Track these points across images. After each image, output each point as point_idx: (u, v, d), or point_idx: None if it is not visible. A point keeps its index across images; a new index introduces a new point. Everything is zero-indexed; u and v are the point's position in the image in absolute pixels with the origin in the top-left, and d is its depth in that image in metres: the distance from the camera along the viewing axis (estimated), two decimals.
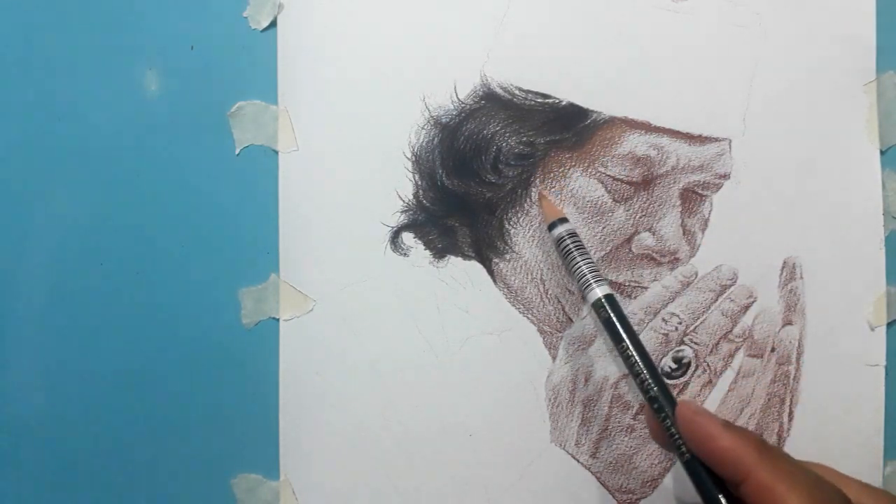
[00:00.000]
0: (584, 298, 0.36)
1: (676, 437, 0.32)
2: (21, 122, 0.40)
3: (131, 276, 0.40)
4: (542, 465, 0.39)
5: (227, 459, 0.40)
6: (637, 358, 0.34)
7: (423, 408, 0.39)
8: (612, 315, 0.35)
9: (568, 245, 0.36)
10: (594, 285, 0.35)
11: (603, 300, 0.35)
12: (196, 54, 0.40)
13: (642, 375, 0.33)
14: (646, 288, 0.39)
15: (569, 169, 0.39)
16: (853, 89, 0.39)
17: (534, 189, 0.39)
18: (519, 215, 0.39)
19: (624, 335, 0.34)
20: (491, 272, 0.39)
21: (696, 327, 0.39)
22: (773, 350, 0.39)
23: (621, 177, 0.39)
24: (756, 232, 0.39)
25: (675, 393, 0.39)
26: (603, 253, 0.39)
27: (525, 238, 0.39)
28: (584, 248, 0.37)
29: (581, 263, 0.36)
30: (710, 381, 0.39)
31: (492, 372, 0.39)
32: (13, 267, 0.40)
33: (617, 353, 0.35)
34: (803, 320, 0.39)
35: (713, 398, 0.39)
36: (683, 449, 0.32)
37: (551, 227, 0.37)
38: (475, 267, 0.39)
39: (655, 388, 0.33)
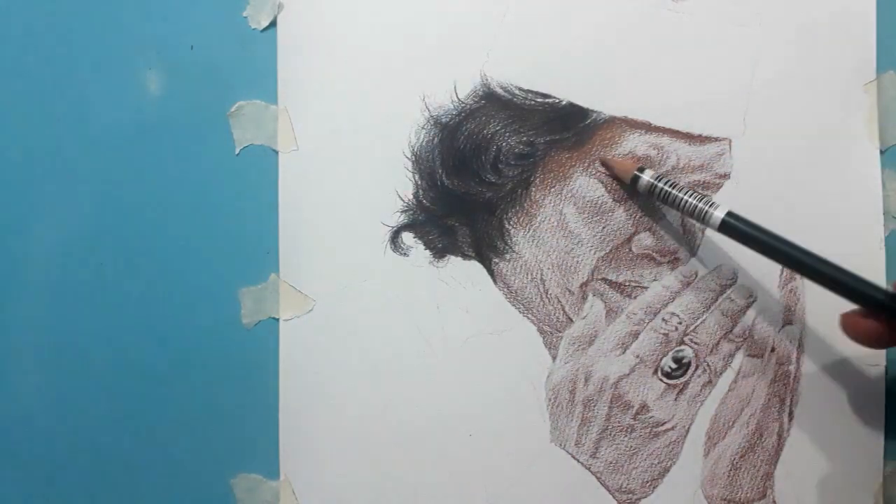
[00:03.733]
0: (704, 223, 0.36)
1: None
2: (21, 122, 0.40)
3: (131, 276, 0.40)
4: (542, 465, 0.39)
5: (227, 459, 0.40)
6: (795, 254, 0.34)
7: (423, 408, 0.39)
8: (746, 228, 0.35)
9: (663, 189, 0.36)
10: (711, 210, 0.35)
11: (727, 218, 0.35)
12: (196, 54, 0.40)
13: (807, 268, 0.34)
14: (646, 288, 0.39)
15: (569, 169, 0.39)
16: (853, 89, 0.39)
17: (534, 188, 0.39)
18: (519, 215, 0.39)
19: (766, 239, 0.34)
20: (491, 272, 0.39)
21: (696, 327, 0.39)
22: (773, 350, 0.39)
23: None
24: None
25: (674, 393, 0.39)
26: (603, 253, 0.39)
27: (525, 238, 0.39)
28: (679, 184, 0.36)
29: (686, 198, 0.36)
30: (710, 381, 0.39)
31: (492, 372, 0.39)
32: (13, 266, 0.40)
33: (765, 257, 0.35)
34: (803, 320, 0.38)
35: (713, 398, 0.39)
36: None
37: (634, 181, 0.37)
38: (475, 267, 0.39)
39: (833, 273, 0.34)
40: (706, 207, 0.35)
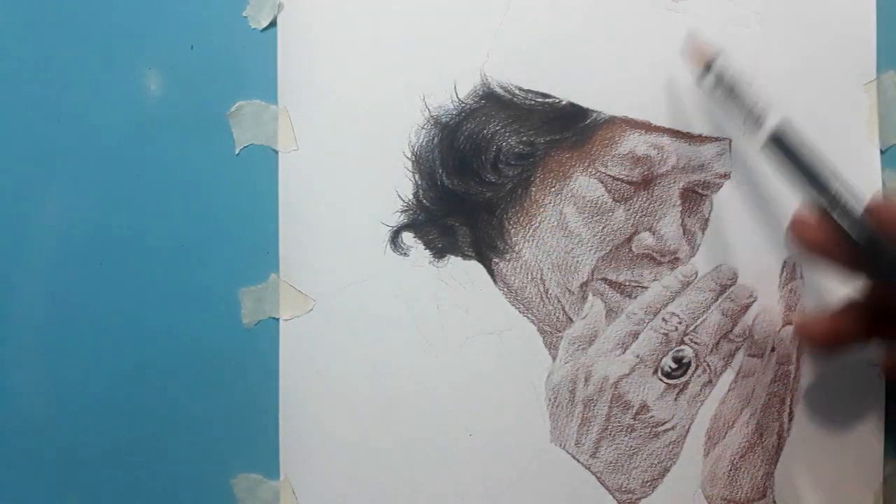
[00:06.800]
0: (756, 131, 0.35)
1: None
2: (21, 122, 0.40)
3: (131, 276, 0.40)
4: (542, 464, 0.39)
5: (227, 459, 0.40)
6: (829, 184, 0.33)
7: (423, 408, 0.39)
8: (791, 146, 0.34)
9: (728, 83, 0.36)
10: (764, 117, 0.35)
11: (777, 132, 0.34)
12: (196, 54, 0.40)
13: (835, 200, 0.33)
14: (646, 288, 0.39)
15: (569, 169, 0.39)
16: (853, 89, 0.39)
17: (534, 188, 0.39)
18: (519, 215, 0.39)
19: (811, 165, 0.34)
20: (491, 272, 0.39)
21: (696, 327, 0.39)
22: (773, 350, 0.39)
23: (621, 176, 0.39)
24: (756, 232, 0.39)
25: (674, 393, 0.39)
26: (603, 253, 0.39)
27: (525, 238, 0.39)
28: (743, 85, 0.36)
29: (746, 99, 0.35)
30: (710, 381, 0.39)
31: (492, 372, 0.39)
32: (13, 267, 0.40)
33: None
34: None
35: (713, 398, 0.39)
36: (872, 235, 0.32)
37: (707, 69, 0.37)
38: (475, 267, 0.39)
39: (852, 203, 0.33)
40: (761, 113, 0.35)
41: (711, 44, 0.37)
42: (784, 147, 0.34)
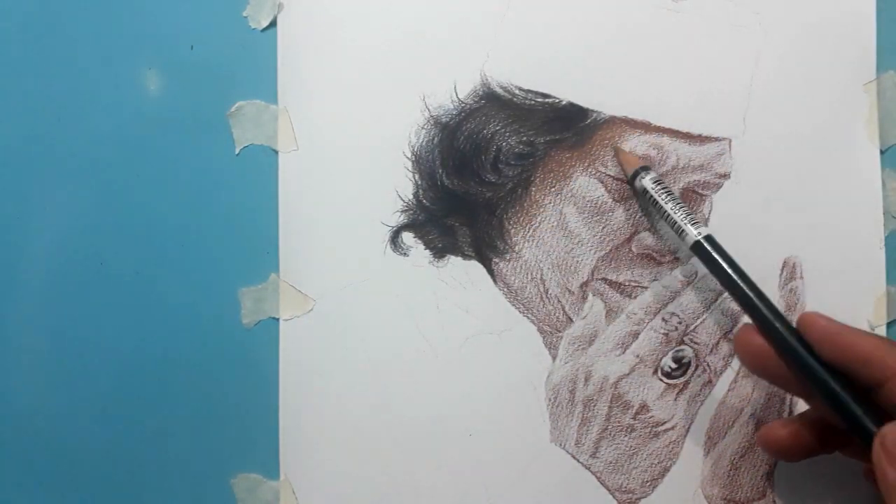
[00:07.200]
0: (682, 243, 0.36)
1: (796, 349, 0.32)
2: (21, 122, 0.40)
3: (131, 276, 0.40)
4: (542, 464, 0.39)
5: (227, 459, 0.40)
6: (748, 293, 0.34)
7: (423, 408, 0.39)
8: (715, 255, 0.35)
9: (656, 192, 0.36)
10: (693, 227, 0.35)
11: (702, 241, 0.35)
12: (196, 54, 0.40)
13: (756, 309, 0.33)
14: (646, 288, 0.39)
15: (569, 169, 0.39)
16: (853, 89, 0.39)
17: (534, 188, 0.39)
18: (519, 215, 0.39)
19: (731, 273, 0.34)
20: (491, 272, 0.39)
21: (696, 327, 0.39)
22: None
23: (621, 176, 0.39)
24: (756, 232, 0.39)
25: (674, 393, 0.39)
26: (603, 253, 0.39)
27: (525, 238, 0.39)
28: (673, 193, 0.36)
29: (674, 208, 0.36)
30: (710, 381, 0.39)
31: (492, 372, 0.39)
32: (13, 266, 0.40)
33: (726, 292, 0.35)
34: None
35: (713, 398, 0.39)
36: (808, 360, 0.32)
37: (633, 177, 0.37)
38: (475, 267, 0.39)
39: (771, 316, 0.33)
40: (685, 225, 0.35)
41: (637, 155, 0.38)
42: (704, 256, 0.35)
